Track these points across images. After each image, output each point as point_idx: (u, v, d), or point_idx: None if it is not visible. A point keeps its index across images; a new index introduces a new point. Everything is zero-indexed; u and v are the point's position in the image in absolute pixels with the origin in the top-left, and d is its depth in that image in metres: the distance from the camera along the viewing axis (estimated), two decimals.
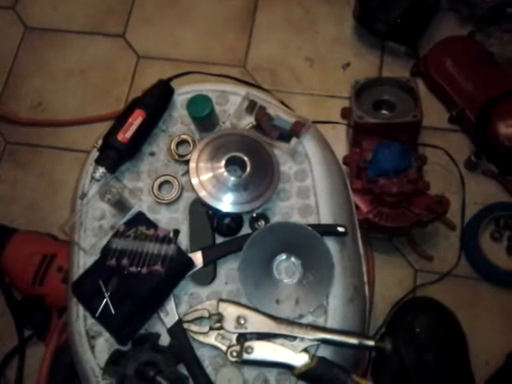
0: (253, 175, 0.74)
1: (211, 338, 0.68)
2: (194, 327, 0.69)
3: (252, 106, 0.80)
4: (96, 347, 0.71)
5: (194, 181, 0.74)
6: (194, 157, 0.76)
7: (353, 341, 0.67)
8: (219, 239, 0.74)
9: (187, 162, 0.76)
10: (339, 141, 1.15)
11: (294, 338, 0.67)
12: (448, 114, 1.17)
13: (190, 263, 0.71)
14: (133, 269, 0.69)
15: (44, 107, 1.32)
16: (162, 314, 0.70)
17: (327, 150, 0.82)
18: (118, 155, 0.76)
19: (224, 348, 0.68)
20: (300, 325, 0.68)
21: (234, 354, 0.67)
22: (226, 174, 0.74)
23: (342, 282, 0.72)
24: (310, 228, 0.71)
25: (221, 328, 0.68)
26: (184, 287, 0.72)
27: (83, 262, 0.75)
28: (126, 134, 0.76)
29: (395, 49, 1.24)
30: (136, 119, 0.77)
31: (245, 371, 0.69)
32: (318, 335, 0.67)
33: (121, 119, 0.77)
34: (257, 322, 0.68)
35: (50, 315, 1.04)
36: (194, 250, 0.73)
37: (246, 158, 0.75)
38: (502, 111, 1.08)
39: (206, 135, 0.78)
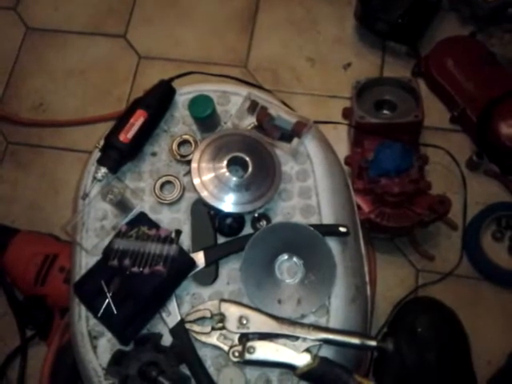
0: (254, 175, 0.74)
1: (213, 338, 0.68)
2: (196, 327, 0.69)
3: (253, 107, 0.80)
4: (98, 347, 0.71)
5: (196, 181, 0.74)
6: (195, 157, 0.76)
7: (355, 341, 0.67)
8: (221, 239, 0.74)
9: (189, 163, 0.76)
10: (341, 141, 1.15)
11: (296, 338, 0.67)
12: (449, 114, 1.18)
13: (192, 263, 0.71)
14: (135, 269, 0.69)
15: (45, 107, 1.32)
16: (164, 314, 0.70)
17: (329, 150, 0.82)
18: (119, 155, 0.76)
19: (226, 348, 0.68)
20: (302, 325, 0.68)
21: (236, 354, 0.67)
22: (227, 174, 0.74)
23: (343, 282, 0.72)
24: (311, 228, 0.71)
25: (223, 328, 0.68)
26: (186, 287, 0.72)
27: (85, 262, 0.75)
28: (127, 135, 0.76)
29: (396, 49, 1.24)
30: (138, 119, 0.77)
31: (247, 371, 0.69)
32: (320, 335, 0.67)
33: (122, 119, 0.77)
34: (259, 322, 0.68)
35: (52, 315, 1.04)
36: (195, 250, 0.73)
37: (247, 159, 0.75)
38: (504, 111, 1.08)
39: (208, 135, 0.78)
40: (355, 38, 1.28)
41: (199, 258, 0.72)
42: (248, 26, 1.33)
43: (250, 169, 0.74)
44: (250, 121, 0.80)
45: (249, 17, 1.34)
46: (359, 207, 0.99)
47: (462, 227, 1.09)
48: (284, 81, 1.27)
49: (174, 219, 0.76)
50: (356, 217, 0.86)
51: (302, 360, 0.66)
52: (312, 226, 0.72)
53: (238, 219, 0.74)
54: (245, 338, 0.68)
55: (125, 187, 0.77)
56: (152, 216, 0.75)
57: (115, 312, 0.67)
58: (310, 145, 0.79)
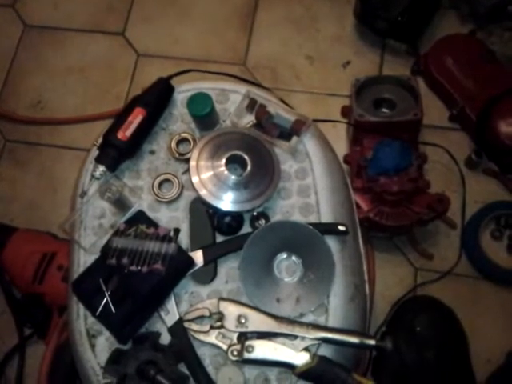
0: (253, 174, 0.74)
1: (212, 337, 0.68)
2: (194, 326, 0.69)
3: (252, 105, 0.80)
4: (96, 346, 0.71)
5: (195, 179, 0.74)
6: (194, 155, 0.75)
7: (354, 340, 0.67)
8: (220, 238, 0.74)
9: (187, 161, 0.76)
10: (339, 139, 1.15)
11: (295, 337, 0.67)
12: (448, 112, 1.17)
13: (191, 262, 0.71)
14: (133, 267, 0.69)
15: (43, 105, 1.31)
16: (162, 313, 0.70)
17: (328, 149, 0.82)
18: (118, 153, 0.76)
19: (225, 347, 0.68)
20: (301, 324, 0.68)
21: (235, 352, 0.67)
22: (226, 172, 0.74)
23: (342, 281, 0.72)
24: (310, 227, 0.71)
25: (221, 327, 0.68)
26: (184, 286, 0.72)
27: (83, 260, 0.75)
28: (126, 133, 0.75)
29: (396, 47, 1.24)
30: (136, 117, 0.76)
31: (245, 370, 0.68)
32: (319, 334, 0.67)
33: (121, 117, 0.77)
34: (257, 321, 0.68)
35: (50, 314, 1.04)
36: (194, 249, 0.73)
37: (246, 157, 0.75)
38: (503, 110, 1.08)
39: (207, 133, 0.78)
40: (354, 36, 1.28)
41: (198, 256, 0.72)
42: (247, 24, 1.33)
43: (248, 167, 0.74)
44: (248, 119, 0.80)
45: (248, 15, 1.33)
46: (358, 206, 0.99)
47: (461, 226, 1.09)
48: (283, 79, 1.26)
49: (173, 218, 0.76)
50: (355, 215, 0.86)
51: (300, 359, 0.66)
52: (311, 224, 0.72)
53: (237, 218, 0.74)
54: (243, 336, 0.68)
55: (123, 185, 0.77)
56: (150, 214, 0.75)
57: (113, 310, 0.67)
58: (308, 143, 0.78)
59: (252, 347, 0.67)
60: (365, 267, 0.82)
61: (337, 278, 0.71)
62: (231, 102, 0.82)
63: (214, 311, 0.69)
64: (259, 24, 1.32)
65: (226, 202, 0.73)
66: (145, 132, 0.79)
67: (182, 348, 0.69)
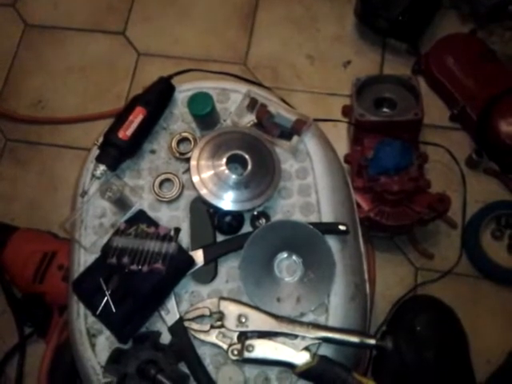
0: (254, 173, 0.74)
1: (212, 337, 0.68)
2: (194, 325, 0.69)
3: (253, 104, 0.80)
4: (97, 345, 0.71)
5: (195, 179, 0.74)
6: (194, 155, 0.75)
7: (354, 339, 0.67)
8: (220, 237, 0.74)
9: (188, 160, 0.76)
10: (340, 139, 1.15)
11: (295, 336, 0.67)
12: (449, 111, 1.17)
13: (191, 261, 0.71)
14: (133, 267, 0.69)
15: (44, 105, 1.31)
16: (162, 313, 0.70)
17: (328, 148, 0.82)
18: (118, 153, 0.76)
19: (225, 346, 0.68)
20: (301, 323, 0.68)
21: (235, 352, 0.67)
22: (227, 171, 0.74)
23: (343, 280, 0.72)
24: (311, 226, 0.71)
25: (222, 326, 0.68)
26: (185, 285, 0.72)
27: (84, 260, 0.75)
28: (126, 132, 0.75)
29: (396, 46, 1.24)
30: (137, 117, 0.76)
31: (246, 369, 0.68)
32: (319, 334, 0.67)
33: (121, 117, 0.77)
34: (258, 321, 0.68)
35: (50, 313, 1.04)
36: (194, 248, 0.73)
37: (247, 156, 0.75)
38: (504, 109, 1.08)
39: (207, 133, 0.78)
40: (355, 36, 1.28)
41: (198, 256, 0.72)
42: (247, 24, 1.33)
43: (249, 167, 0.74)
44: (249, 118, 0.80)
45: (248, 14, 1.33)
46: (359, 205, 0.99)
47: (462, 225, 1.09)
48: (284, 78, 1.26)
49: (173, 217, 0.76)
50: (355, 215, 0.85)
51: (301, 358, 0.66)
52: (311, 224, 0.72)
53: (237, 217, 0.74)
54: (244, 336, 0.68)
55: (124, 185, 0.77)
56: (151, 214, 0.75)
57: (114, 310, 0.67)
58: (309, 143, 0.78)
59: (252, 346, 0.67)
60: (365, 267, 0.82)
61: (337, 278, 0.71)
62: (232, 101, 0.82)
63: (214, 310, 0.69)
64: (260, 23, 1.32)
65: (227, 201, 0.73)
66: (145, 131, 0.79)
67: (183, 347, 0.69)
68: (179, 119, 0.82)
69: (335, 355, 0.68)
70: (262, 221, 0.74)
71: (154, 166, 0.79)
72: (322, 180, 0.76)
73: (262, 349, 0.67)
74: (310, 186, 0.76)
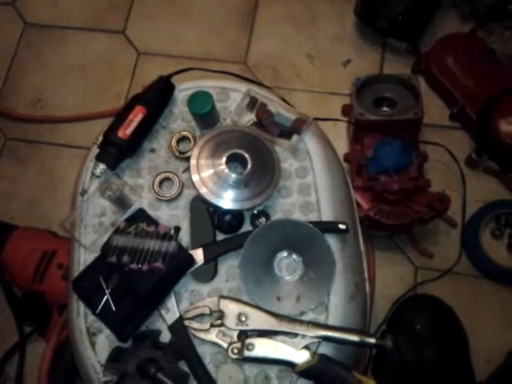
0: (254, 172, 0.74)
1: (212, 335, 0.68)
2: (194, 324, 0.69)
3: (253, 103, 0.80)
4: (97, 344, 0.71)
5: (195, 178, 0.74)
6: (194, 153, 0.75)
7: (354, 338, 0.67)
8: (220, 236, 0.74)
9: (188, 159, 0.76)
10: (340, 138, 1.15)
11: (295, 335, 0.67)
12: (449, 111, 1.17)
13: (191, 260, 0.71)
14: (133, 266, 0.69)
15: (43, 103, 1.31)
16: (162, 311, 0.70)
17: (328, 147, 0.82)
18: (118, 152, 0.76)
19: (225, 345, 0.68)
20: (301, 322, 0.68)
21: (235, 351, 0.67)
22: (226, 170, 0.74)
23: (343, 279, 0.72)
24: (311, 225, 0.71)
25: (222, 325, 0.68)
26: (185, 284, 0.72)
27: (84, 258, 0.75)
28: (126, 131, 0.75)
29: (396, 46, 1.24)
30: (136, 116, 0.76)
31: (246, 368, 0.68)
32: (319, 332, 0.67)
33: (121, 116, 0.77)
34: (258, 319, 0.68)
35: (50, 312, 1.04)
36: (194, 247, 0.73)
37: (246, 155, 0.75)
38: (503, 109, 1.08)
39: (207, 132, 0.78)
40: (355, 35, 1.28)
41: (198, 254, 0.72)
42: (248, 23, 1.32)
43: (249, 165, 0.74)
44: (249, 117, 0.80)
45: (248, 13, 1.33)
46: (358, 204, 0.99)
47: (461, 225, 1.09)
48: (283, 77, 1.26)
49: (173, 216, 0.76)
50: (355, 214, 0.86)
51: (301, 357, 0.66)
52: (311, 222, 0.72)
53: (237, 216, 0.74)
54: (244, 334, 0.68)
55: (123, 184, 0.77)
56: (151, 213, 0.75)
57: (114, 309, 0.67)
58: (309, 142, 0.78)
59: (252, 345, 0.67)
60: (365, 266, 0.82)
61: (337, 277, 0.71)
62: (232, 100, 0.82)
63: (214, 309, 0.69)
64: (260, 22, 1.32)
65: (227, 200, 0.73)
66: (145, 130, 0.79)
67: (183, 346, 0.69)
68: (179, 118, 0.81)
69: (335, 354, 0.68)
70: (262, 220, 0.74)
71: (153, 164, 0.79)
72: (321, 179, 0.76)
73: (262, 347, 0.67)
74: (310, 185, 0.76)
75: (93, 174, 0.77)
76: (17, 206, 1.23)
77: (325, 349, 0.68)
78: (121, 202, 0.76)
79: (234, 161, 0.75)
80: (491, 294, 1.05)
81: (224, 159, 0.74)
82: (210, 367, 0.69)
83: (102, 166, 0.75)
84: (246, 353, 0.67)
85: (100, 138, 0.78)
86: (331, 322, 0.70)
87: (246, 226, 0.74)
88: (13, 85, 1.34)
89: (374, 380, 0.65)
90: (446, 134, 1.16)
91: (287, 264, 0.74)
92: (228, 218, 0.74)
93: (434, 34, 1.22)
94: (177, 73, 0.84)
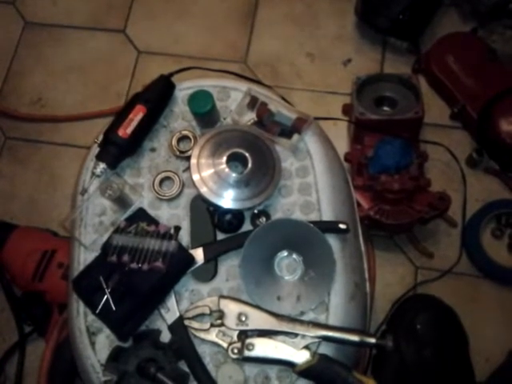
0: (254, 171, 0.74)
1: (212, 335, 0.68)
2: (194, 324, 0.69)
3: (253, 102, 0.79)
4: (96, 344, 0.71)
5: (195, 177, 0.74)
6: (195, 153, 0.75)
7: (354, 338, 0.67)
8: (220, 236, 0.74)
9: (188, 158, 0.76)
10: (340, 137, 1.15)
11: (296, 335, 0.67)
12: (450, 110, 1.17)
13: (191, 260, 0.71)
14: (133, 265, 0.69)
15: (44, 103, 1.31)
16: (162, 311, 0.70)
17: (329, 147, 0.82)
18: (118, 151, 0.76)
19: (225, 345, 0.68)
20: (301, 322, 0.68)
21: (235, 350, 0.67)
22: (227, 170, 0.74)
23: (343, 279, 0.72)
24: (311, 225, 0.71)
25: (222, 325, 0.68)
26: (185, 284, 0.72)
27: (84, 258, 0.74)
28: (126, 130, 0.75)
29: (397, 45, 1.24)
30: (137, 115, 0.76)
31: (246, 368, 0.68)
32: (320, 332, 0.67)
33: (121, 115, 0.77)
34: (258, 319, 0.68)
35: (50, 311, 1.04)
36: (194, 247, 0.73)
37: (247, 155, 0.74)
38: (504, 108, 1.08)
39: (207, 131, 0.78)
40: (355, 34, 1.28)
41: (198, 254, 0.72)
42: (248, 22, 1.32)
43: (249, 165, 0.74)
44: (249, 116, 0.80)
45: (249, 12, 1.33)
46: (359, 204, 0.99)
47: (462, 225, 1.09)
48: (284, 76, 1.26)
49: (173, 215, 0.76)
50: (356, 214, 0.85)
51: (301, 357, 0.66)
52: (312, 222, 0.72)
53: (238, 215, 0.74)
54: (244, 334, 0.68)
55: (124, 183, 0.77)
56: (151, 212, 0.75)
57: (114, 308, 0.67)
58: (309, 141, 0.78)
59: (252, 345, 0.67)
60: (365, 265, 0.82)
61: (337, 276, 0.71)
62: (232, 99, 0.81)
63: (214, 309, 0.69)
64: (260, 21, 1.32)
65: (227, 199, 0.73)
66: (145, 129, 0.79)
67: (183, 346, 0.68)
68: (179, 117, 0.81)
69: (335, 354, 0.68)
70: (263, 219, 0.74)
71: (154, 164, 0.79)
72: (322, 178, 0.76)
73: (262, 347, 0.67)
74: (311, 185, 0.76)
75: (93, 174, 0.76)
76: (17, 205, 1.23)
77: (325, 349, 0.68)
78: (121, 202, 0.76)
79: (235, 160, 0.75)
80: (491, 293, 1.05)
81: (224, 158, 0.74)
82: (210, 367, 0.69)
83: (102, 165, 0.75)
84: (246, 353, 0.66)
85: (100, 137, 0.77)
86: (331, 321, 0.69)
87: (247, 226, 0.74)
88: (13, 84, 1.34)
89: (374, 380, 0.65)
90: (446, 133, 1.16)
91: (287, 264, 0.73)
92: (228, 217, 0.73)
93: (434, 33, 1.22)
94: (177, 72, 0.84)
